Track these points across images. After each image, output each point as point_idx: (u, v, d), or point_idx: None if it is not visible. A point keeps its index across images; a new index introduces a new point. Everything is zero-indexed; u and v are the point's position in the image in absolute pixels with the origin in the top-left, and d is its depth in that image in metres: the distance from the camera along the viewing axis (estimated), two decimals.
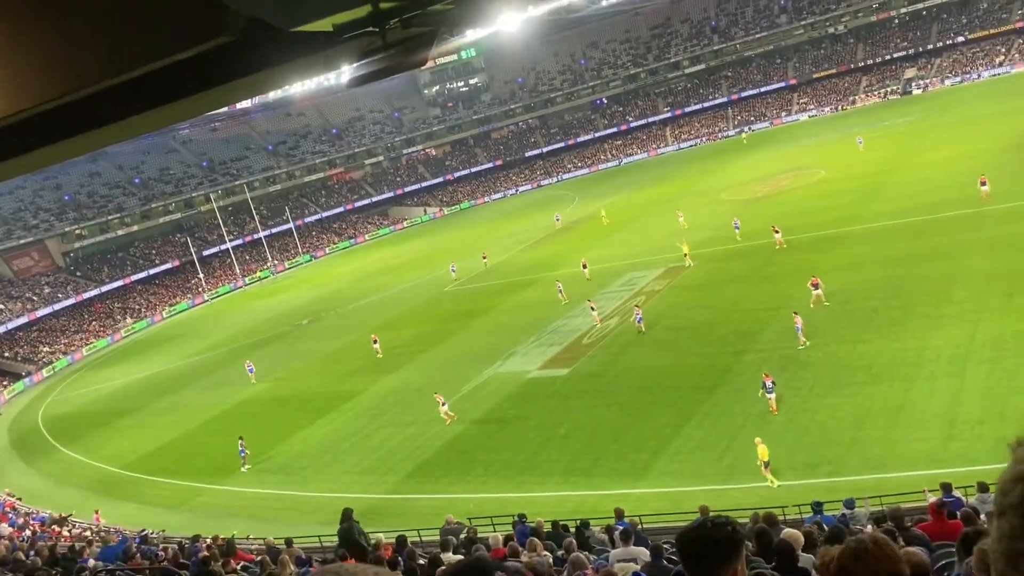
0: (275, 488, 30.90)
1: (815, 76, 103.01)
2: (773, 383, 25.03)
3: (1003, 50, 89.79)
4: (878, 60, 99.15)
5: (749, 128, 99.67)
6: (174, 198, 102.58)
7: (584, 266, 47.67)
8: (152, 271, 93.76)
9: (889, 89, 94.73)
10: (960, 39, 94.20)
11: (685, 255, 44.14)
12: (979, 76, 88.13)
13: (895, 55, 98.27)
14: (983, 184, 39.05)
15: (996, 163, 45.67)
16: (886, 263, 35.06)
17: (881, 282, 32.90)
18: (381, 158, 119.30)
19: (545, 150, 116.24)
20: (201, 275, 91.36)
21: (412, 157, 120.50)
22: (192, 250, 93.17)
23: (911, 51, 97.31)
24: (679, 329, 34.72)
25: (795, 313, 29.74)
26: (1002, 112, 61.48)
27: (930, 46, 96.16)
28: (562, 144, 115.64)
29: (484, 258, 61.37)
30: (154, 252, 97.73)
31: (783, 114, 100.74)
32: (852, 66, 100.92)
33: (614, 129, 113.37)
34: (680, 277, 42.90)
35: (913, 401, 23.14)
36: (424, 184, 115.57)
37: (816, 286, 32.10)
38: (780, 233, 41.81)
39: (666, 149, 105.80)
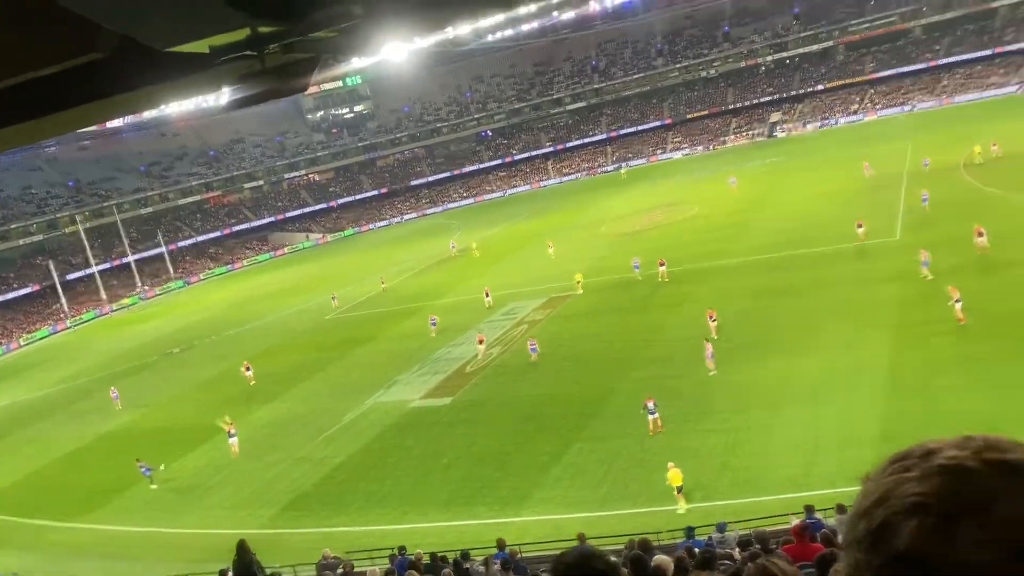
0: (140, 525, 29.27)
1: (689, 116, 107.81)
2: (655, 404, 25.79)
3: (858, 99, 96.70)
4: (746, 104, 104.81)
5: (627, 164, 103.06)
6: (36, 219, 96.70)
7: (487, 294, 47.36)
8: (9, 295, 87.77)
9: (756, 131, 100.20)
10: (820, 87, 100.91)
11: (578, 282, 44.93)
12: (837, 122, 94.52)
13: (762, 100, 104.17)
14: (859, 227, 41.07)
15: (853, 203, 48.94)
16: (755, 295, 36.86)
17: (750, 313, 34.52)
18: (261, 182, 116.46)
19: (431, 179, 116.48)
20: (63, 300, 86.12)
21: (294, 182, 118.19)
22: (54, 274, 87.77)
23: (776, 96, 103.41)
24: (561, 358, 35.28)
25: (706, 341, 30.66)
26: (857, 156, 66.00)
27: (793, 92, 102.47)
28: (447, 174, 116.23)
29: (383, 283, 60.60)
30: (12, 276, 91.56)
31: (659, 152, 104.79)
32: (723, 108, 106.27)
33: (499, 161, 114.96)
34: (562, 307, 43.69)
35: (779, 426, 24.31)
36: (307, 210, 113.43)
37: (712, 318, 32.97)
38: (665, 266, 43.13)
39: (548, 182, 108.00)
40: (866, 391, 25.08)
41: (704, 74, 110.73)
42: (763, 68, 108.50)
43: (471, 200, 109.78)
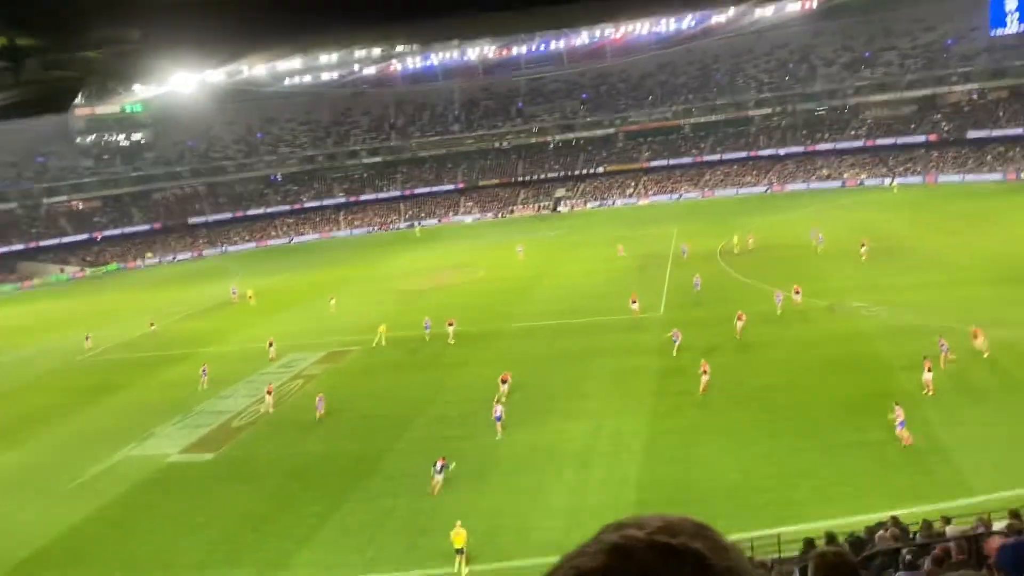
0: None
1: (481, 183, 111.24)
2: (444, 465, 25.68)
3: (633, 183, 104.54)
4: (535, 177, 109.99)
5: (420, 223, 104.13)
6: None
7: (271, 344, 45.15)
8: None
9: (542, 204, 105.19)
10: (601, 169, 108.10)
11: (381, 333, 44.39)
12: (614, 203, 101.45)
13: (549, 175, 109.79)
14: (634, 302, 43.80)
15: (625, 279, 52.33)
16: (532, 360, 38.07)
17: (527, 377, 35.53)
18: (14, 204, 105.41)
19: (211, 219, 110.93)
20: None
21: (54, 208, 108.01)
22: None
23: (562, 173, 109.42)
24: (337, 413, 34.31)
25: (496, 402, 30.79)
26: (630, 236, 71.05)
27: (577, 171, 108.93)
28: (230, 215, 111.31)
29: (152, 325, 55.99)
30: None
31: (451, 214, 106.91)
32: (513, 179, 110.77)
33: (287, 207, 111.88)
34: (342, 362, 42.75)
35: (546, 491, 24.98)
36: (65, 239, 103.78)
37: (505, 381, 33.20)
38: (454, 326, 43.47)
39: (339, 233, 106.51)
40: (626, 457, 26.49)
41: (497, 145, 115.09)
42: (552, 146, 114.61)
43: (254, 244, 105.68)
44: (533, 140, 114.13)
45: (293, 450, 31.11)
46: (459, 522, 21.74)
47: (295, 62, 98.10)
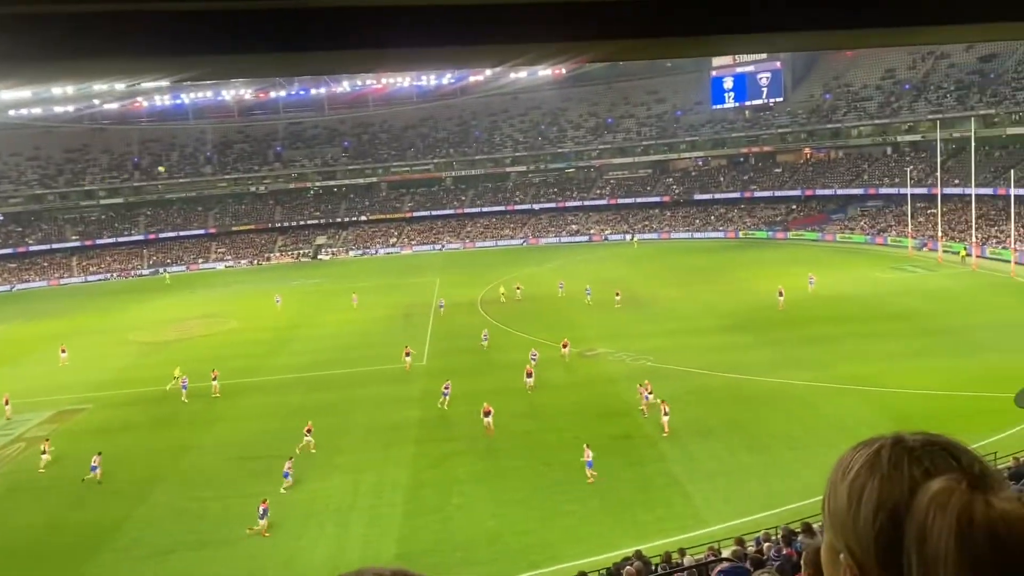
0: None
1: (235, 228, 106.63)
2: (265, 510, 24.99)
3: (396, 233, 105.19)
4: (294, 224, 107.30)
5: (166, 269, 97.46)
6: None
7: (7, 402, 39.43)
8: None
9: (302, 252, 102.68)
10: (363, 218, 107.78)
11: (175, 378, 41.19)
12: (377, 252, 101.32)
13: (309, 222, 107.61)
14: (407, 354, 43.12)
15: (386, 330, 52.14)
16: (286, 414, 36.58)
17: (280, 433, 34.04)
18: None
19: None
20: None
21: None
22: None
23: (323, 220, 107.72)
24: (59, 479, 30.75)
25: (290, 459, 29.05)
26: (395, 285, 71.23)
27: (339, 219, 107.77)
28: None
29: None
30: None
31: (200, 260, 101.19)
32: (270, 225, 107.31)
33: (9, 250, 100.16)
34: (73, 421, 38.54)
35: (303, 550, 23.93)
36: None
37: (309, 432, 31.69)
38: (217, 380, 40.72)
39: (71, 280, 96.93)
40: (386, 511, 26.11)
41: (254, 189, 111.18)
42: (312, 192, 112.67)
43: None
44: (292, 186, 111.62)
45: (13, 522, 27.39)
46: None
47: (24, 91, 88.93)
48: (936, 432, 1.20)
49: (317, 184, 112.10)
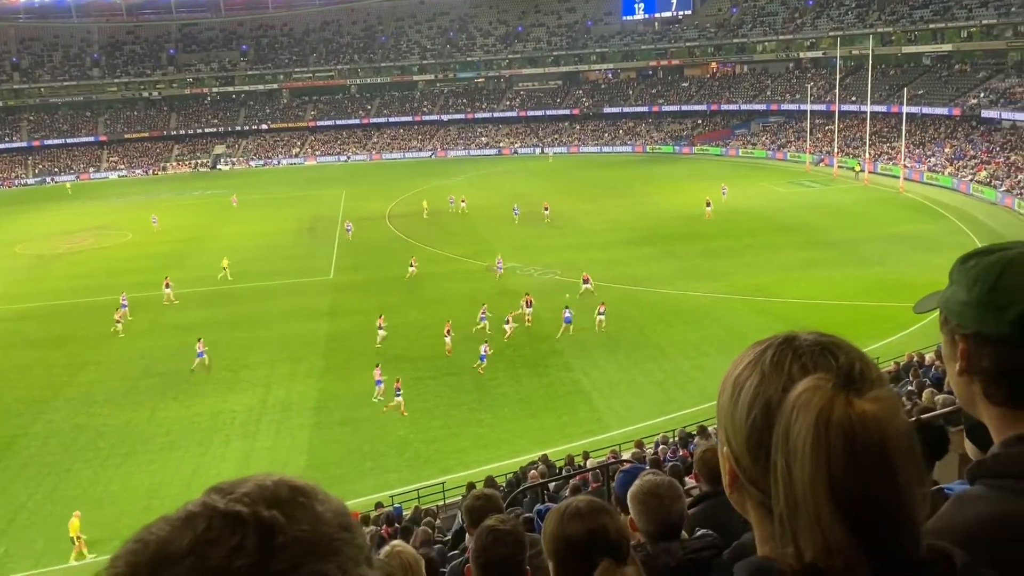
0: None
1: (127, 136, 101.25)
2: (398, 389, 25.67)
3: (299, 143, 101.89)
4: (190, 132, 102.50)
5: (53, 179, 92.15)
6: None
7: None
8: None
9: (200, 161, 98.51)
10: (264, 127, 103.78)
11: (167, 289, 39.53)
12: (279, 162, 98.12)
13: (207, 130, 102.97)
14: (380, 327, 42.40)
15: (292, 242, 51.07)
16: (188, 329, 35.63)
17: (180, 348, 33.22)
18: None
19: None
20: None
21: None
22: None
23: (221, 129, 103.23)
24: None
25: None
26: (297, 198, 69.40)
27: (239, 128, 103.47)
28: None
29: None
30: None
31: (91, 169, 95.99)
32: (165, 133, 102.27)
33: None
34: None
35: (209, 464, 23.77)
36: None
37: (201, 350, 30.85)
38: (171, 288, 39.40)
39: None
40: (296, 423, 26.12)
41: (146, 94, 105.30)
42: (209, 99, 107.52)
43: None
44: (188, 91, 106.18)
45: None
46: (77, 512, 20.10)
47: None
48: (831, 333, 1.21)
49: (214, 90, 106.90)
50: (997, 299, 1.39)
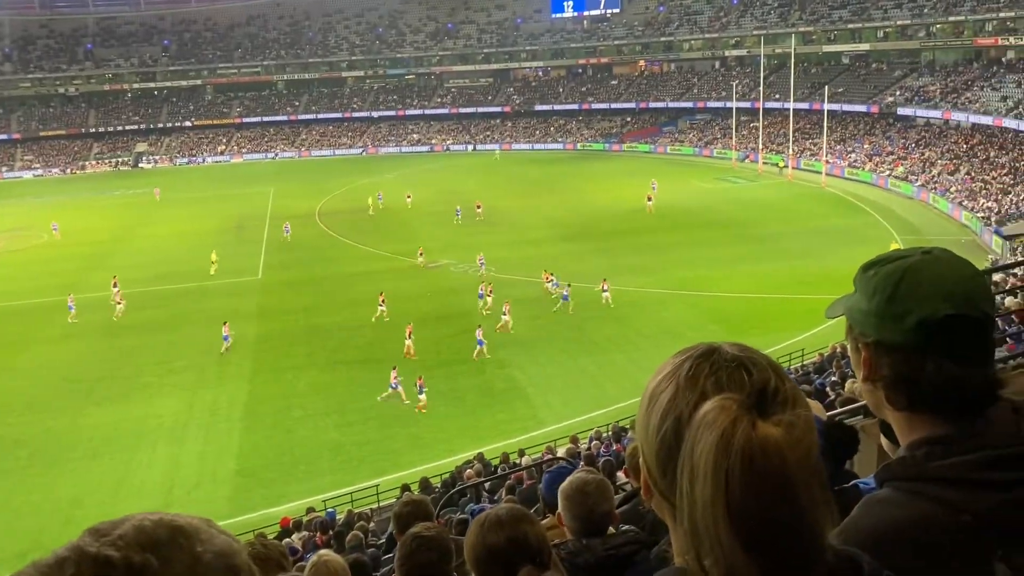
0: None
1: (43, 134, 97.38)
2: (421, 386, 25.31)
3: (225, 140, 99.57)
4: (110, 129, 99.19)
5: None
6: None
7: None
8: None
9: (121, 160, 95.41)
10: (188, 124, 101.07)
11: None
12: (204, 160, 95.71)
13: (127, 127, 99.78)
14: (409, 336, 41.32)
15: (217, 242, 49.87)
16: (110, 333, 34.59)
17: (103, 353, 32.22)
18: None
19: None
20: None
21: None
22: None
23: (143, 126, 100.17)
24: None
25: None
26: (223, 196, 67.82)
27: (161, 125, 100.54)
28: None
29: None
30: None
31: (3, 169, 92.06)
32: (83, 130, 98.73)
33: None
34: None
35: (135, 471, 23.08)
36: None
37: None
38: (119, 287, 37.70)
39: None
40: (224, 427, 25.52)
41: (63, 90, 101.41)
42: (129, 95, 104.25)
43: None
44: (107, 87, 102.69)
45: None
46: None
47: None
48: (751, 346, 1.19)
49: (135, 86, 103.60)
50: (895, 308, 1.41)
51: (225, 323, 31.72)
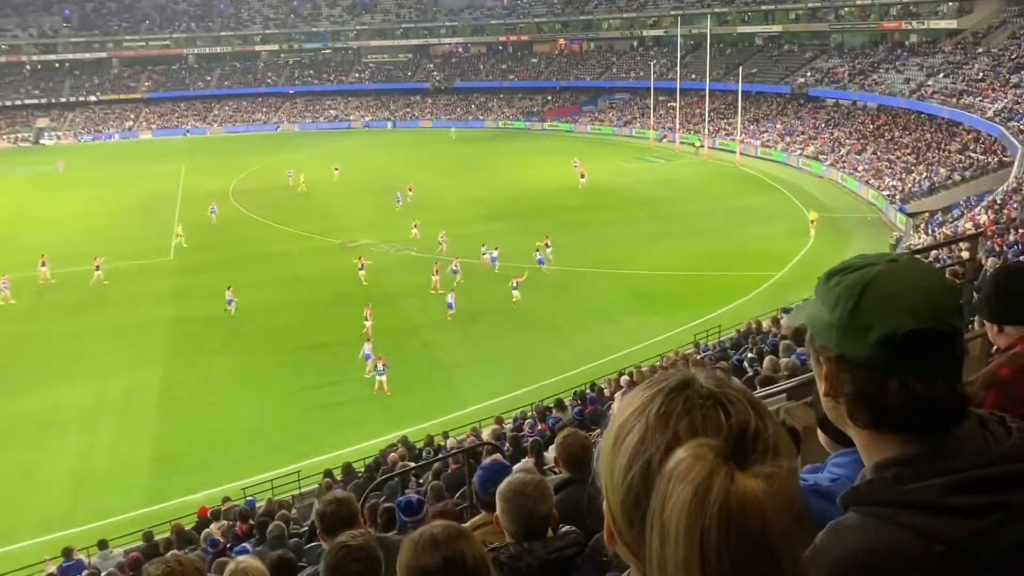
0: None
1: None
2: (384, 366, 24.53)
3: (133, 116, 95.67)
4: (8, 104, 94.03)
5: None
6: None
7: None
8: None
9: (20, 136, 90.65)
10: (93, 98, 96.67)
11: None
12: (112, 136, 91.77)
13: (27, 101, 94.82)
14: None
15: (127, 222, 47.99)
16: (9, 320, 33.02)
17: (6, 338, 30.75)
18: None
19: None
20: None
21: None
22: None
23: (44, 100, 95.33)
24: None
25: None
26: (132, 173, 65.23)
27: (64, 99, 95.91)
28: None
29: None
30: None
31: None
32: None
33: None
34: None
35: (43, 462, 22.13)
36: None
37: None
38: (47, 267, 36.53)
39: None
40: (139, 414, 24.70)
41: None
42: (28, 67, 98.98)
43: None
44: (3, 59, 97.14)
45: None
46: None
47: None
48: (728, 379, 1.10)
49: (34, 58, 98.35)
50: (858, 321, 1.33)
51: (229, 288, 32.41)
